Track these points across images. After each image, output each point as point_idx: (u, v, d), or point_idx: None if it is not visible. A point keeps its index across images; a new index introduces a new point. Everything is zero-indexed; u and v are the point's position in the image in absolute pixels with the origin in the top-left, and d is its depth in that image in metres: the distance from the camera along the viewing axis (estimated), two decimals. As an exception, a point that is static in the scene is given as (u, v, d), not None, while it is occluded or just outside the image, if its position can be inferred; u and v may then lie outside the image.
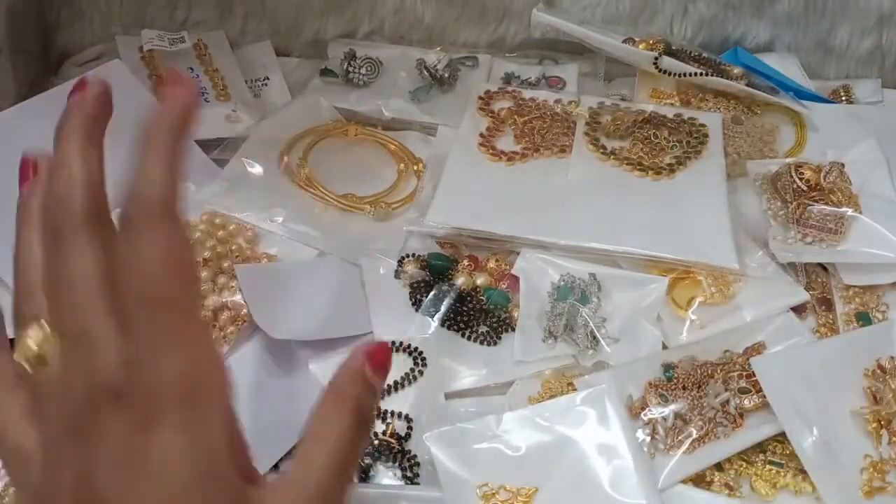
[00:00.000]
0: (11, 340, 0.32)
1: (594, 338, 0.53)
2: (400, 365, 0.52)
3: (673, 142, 0.64)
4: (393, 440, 0.49)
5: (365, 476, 0.48)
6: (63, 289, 0.30)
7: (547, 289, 0.56)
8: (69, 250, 0.31)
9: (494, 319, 0.55)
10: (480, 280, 0.57)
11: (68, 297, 0.30)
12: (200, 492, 0.28)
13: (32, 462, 0.30)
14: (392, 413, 0.50)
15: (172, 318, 0.28)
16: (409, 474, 0.48)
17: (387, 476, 0.48)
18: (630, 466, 0.45)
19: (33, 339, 0.30)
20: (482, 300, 0.56)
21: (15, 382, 0.32)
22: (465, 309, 0.56)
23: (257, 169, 0.64)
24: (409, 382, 0.52)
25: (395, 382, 0.51)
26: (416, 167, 0.66)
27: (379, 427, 0.49)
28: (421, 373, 0.52)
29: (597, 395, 0.47)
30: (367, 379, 0.34)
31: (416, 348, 0.53)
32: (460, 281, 0.56)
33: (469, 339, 0.54)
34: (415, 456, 0.48)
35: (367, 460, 0.48)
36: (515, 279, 0.57)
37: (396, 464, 0.48)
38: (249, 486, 0.30)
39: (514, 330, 0.54)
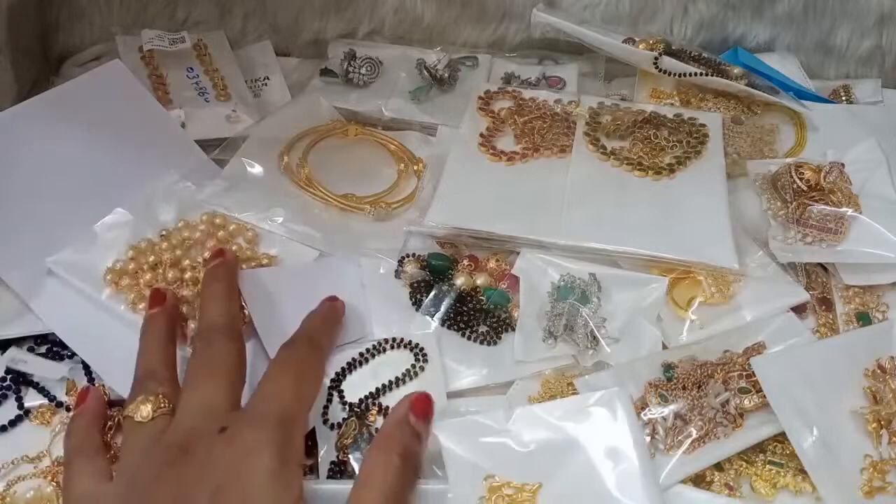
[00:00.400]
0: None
1: (594, 338, 0.53)
2: (401, 361, 0.52)
3: (673, 142, 0.65)
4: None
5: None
6: (198, 370, 0.43)
7: (547, 289, 0.56)
8: (215, 349, 0.44)
9: (494, 319, 0.55)
10: (480, 280, 0.57)
11: (196, 377, 0.42)
12: None
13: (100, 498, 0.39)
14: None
15: (286, 404, 0.40)
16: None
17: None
18: (636, 470, 0.45)
19: (153, 402, 0.42)
20: (482, 300, 0.56)
21: (97, 452, 0.42)
22: (466, 309, 0.56)
23: (257, 169, 0.64)
24: (411, 378, 0.52)
25: (396, 378, 0.51)
26: (416, 167, 0.66)
27: (381, 423, 0.49)
28: (422, 368, 0.52)
29: (608, 397, 0.47)
30: (412, 425, 0.40)
31: (416, 344, 0.53)
32: (460, 281, 0.56)
33: (469, 338, 0.54)
34: (417, 451, 0.49)
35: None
36: (515, 279, 0.57)
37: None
38: None
39: (514, 330, 0.54)
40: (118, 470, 0.40)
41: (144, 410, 0.41)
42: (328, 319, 0.51)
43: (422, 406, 0.42)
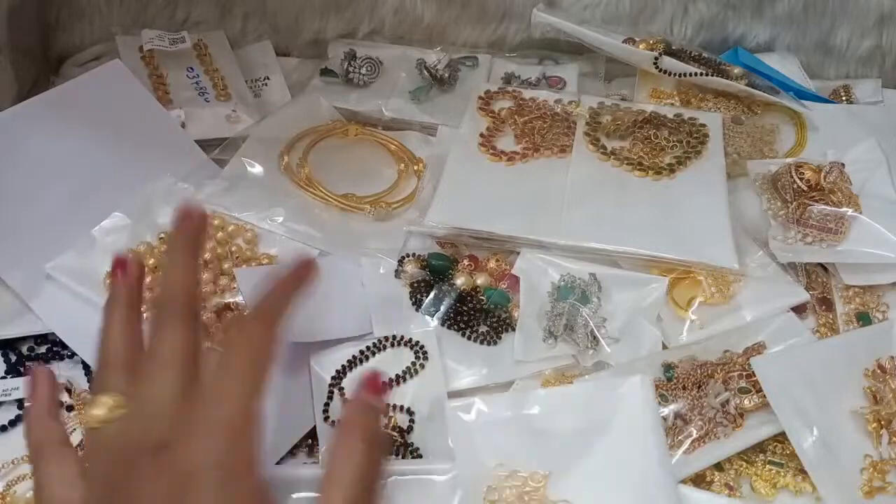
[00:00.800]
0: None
1: (594, 338, 0.53)
2: (401, 359, 0.52)
3: (673, 142, 0.64)
4: (395, 433, 0.49)
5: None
6: (150, 361, 0.39)
7: (547, 289, 0.56)
8: (165, 334, 0.39)
9: (494, 319, 0.55)
10: (480, 280, 0.57)
11: (150, 368, 0.38)
12: None
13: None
14: (394, 406, 0.50)
15: (234, 407, 0.36)
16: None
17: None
18: (654, 461, 0.45)
19: (107, 403, 0.38)
20: (482, 300, 0.56)
21: (62, 446, 0.40)
22: (466, 309, 0.56)
23: (257, 169, 0.64)
24: (411, 376, 0.52)
25: (397, 376, 0.51)
26: (416, 167, 0.66)
27: (381, 420, 0.49)
28: (422, 366, 0.52)
29: (630, 385, 0.47)
30: (368, 402, 0.39)
31: (417, 342, 0.53)
32: (460, 281, 0.56)
33: (469, 338, 0.54)
34: (417, 448, 0.49)
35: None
36: (515, 279, 0.57)
37: (399, 456, 0.48)
38: None
39: (514, 330, 0.54)
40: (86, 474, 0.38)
41: (98, 412, 0.38)
42: (290, 286, 0.43)
43: (373, 381, 0.40)
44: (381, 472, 0.38)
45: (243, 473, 0.35)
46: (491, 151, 0.64)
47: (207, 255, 0.57)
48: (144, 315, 0.45)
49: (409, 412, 0.50)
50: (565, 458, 0.45)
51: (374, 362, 0.53)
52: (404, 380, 0.51)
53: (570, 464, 0.45)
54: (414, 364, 0.52)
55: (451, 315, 0.55)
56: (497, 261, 0.59)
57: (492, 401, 0.47)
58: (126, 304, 0.44)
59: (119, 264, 0.45)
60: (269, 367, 0.39)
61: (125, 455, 0.37)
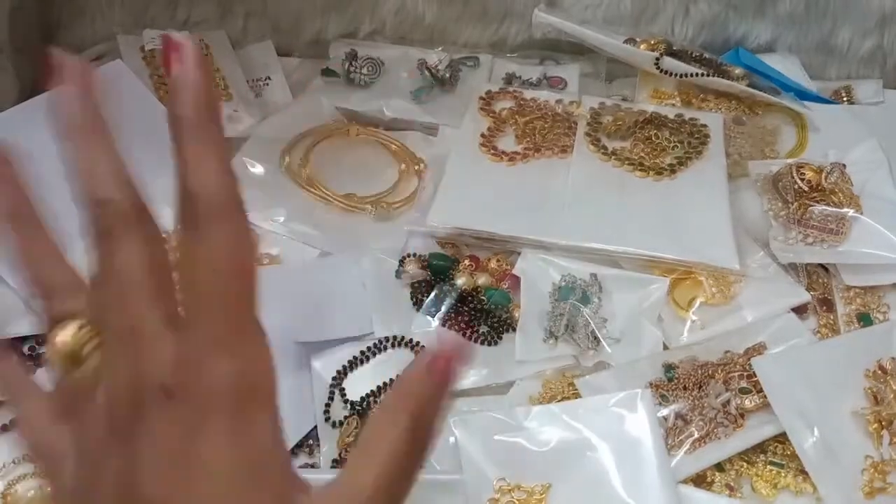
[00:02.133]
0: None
1: (595, 338, 0.53)
2: (402, 359, 0.52)
3: (674, 142, 0.64)
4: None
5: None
6: (112, 285, 0.29)
7: (548, 289, 0.56)
8: (119, 248, 0.29)
9: (495, 319, 0.55)
10: (481, 280, 0.57)
11: (117, 292, 0.28)
12: (248, 497, 0.27)
13: (66, 464, 0.29)
14: (394, 407, 0.50)
15: (233, 318, 0.27)
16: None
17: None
18: (654, 474, 0.45)
19: (69, 336, 0.29)
20: (483, 300, 0.56)
21: (32, 385, 0.32)
22: (466, 309, 0.56)
23: (259, 169, 0.64)
24: (412, 377, 0.52)
25: (398, 376, 0.51)
26: (417, 167, 0.66)
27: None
28: None
29: (629, 399, 0.47)
30: (430, 382, 0.30)
31: (417, 342, 0.53)
32: (461, 281, 0.56)
33: (470, 338, 0.54)
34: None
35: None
36: (516, 279, 0.57)
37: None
38: (296, 493, 0.29)
39: (514, 330, 0.54)
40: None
41: (65, 340, 0.29)
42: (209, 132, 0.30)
43: (448, 358, 0.30)
44: (424, 458, 0.30)
45: (263, 403, 0.28)
46: (492, 152, 0.64)
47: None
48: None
49: (410, 412, 0.50)
50: (566, 470, 0.45)
51: (375, 363, 0.53)
52: (405, 380, 0.51)
53: (571, 475, 0.45)
54: (415, 365, 0.52)
55: (452, 315, 0.55)
56: (498, 261, 0.59)
57: (493, 415, 0.48)
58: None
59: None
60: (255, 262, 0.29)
61: (123, 404, 0.28)
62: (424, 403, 0.30)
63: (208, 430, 0.27)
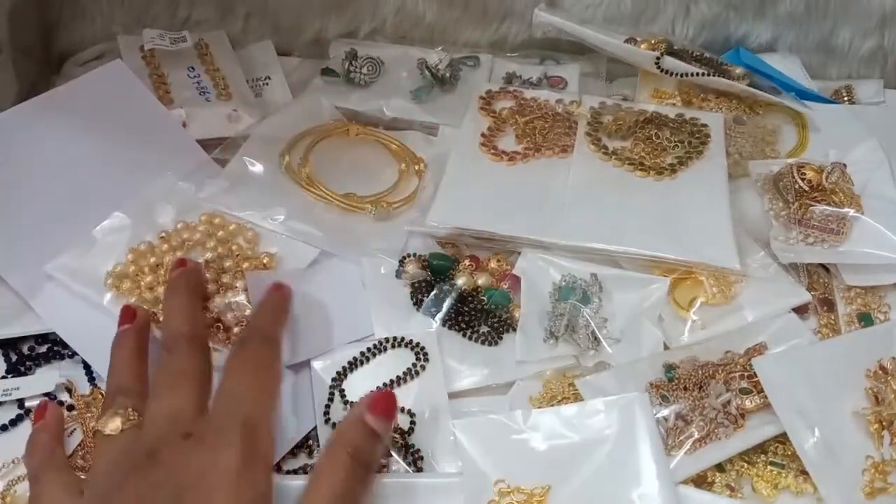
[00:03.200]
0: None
1: (595, 338, 0.53)
2: (402, 360, 0.52)
3: (675, 142, 0.64)
4: (396, 434, 0.49)
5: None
6: (161, 381, 0.43)
7: (548, 289, 0.56)
8: (179, 357, 0.44)
9: (496, 319, 0.55)
10: (482, 280, 0.57)
11: (161, 386, 0.42)
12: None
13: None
14: (395, 408, 0.50)
15: (248, 417, 0.39)
16: (412, 468, 0.48)
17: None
18: (653, 477, 0.45)
19: (121, 416, 0.42)
20: (483, 300, 0.56)
21: (63, 470, 0.43)
22: (467, 309, 0.55)
23: (258, 168, 0.64)
24: (412, 377, 0.52)
25: (398, 377, 0.51)
26: (417, 167, 0.66)
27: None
28: (423, 367, 0.52)
29: (628, 401, 0.47)
30: (367, 423, 0.40)
31: (417, 343, 0.53)
32: (461, 281, 0.56)
33: (470, 339, 0.54)
34: (419, 450, 0.49)
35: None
36: (517, 279, 0.57)
37: (401, 458, 0.48)
38: None
39: (515, 330, 0.54)
40: (89, 483, 0.41)
41: (113, 424, 0.41)
42: (277, 309, 0.50)
43: (382, 404, 0.42)
44: (365, 492, 0.39)
45: (260, 461, 0.37)
46: (492, 151, 0.64)
47: (209, 255, 0.57)
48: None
49: (410, 413, 0.50)
50: (566, 472, 0.45)
51: (375, 364, 0.53)
52: (405, 381, 0.51)
53: (571, 478, 0.45)
54: (415, 365, 0.52)
55: (452, 315, 0.55)
56: (498, 261, 0.59)
57: (493, 417, 0.48)
58: (135, 349, 0.47)
59: (126, 314, 0.49)
60: (277, 383, 0.43)
61: (131, 459, 0.38)
62: (361, 444, 0.40)
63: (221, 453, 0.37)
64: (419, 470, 0.48)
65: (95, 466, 0.41)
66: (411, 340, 0.53)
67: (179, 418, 0.40)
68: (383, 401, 0.41)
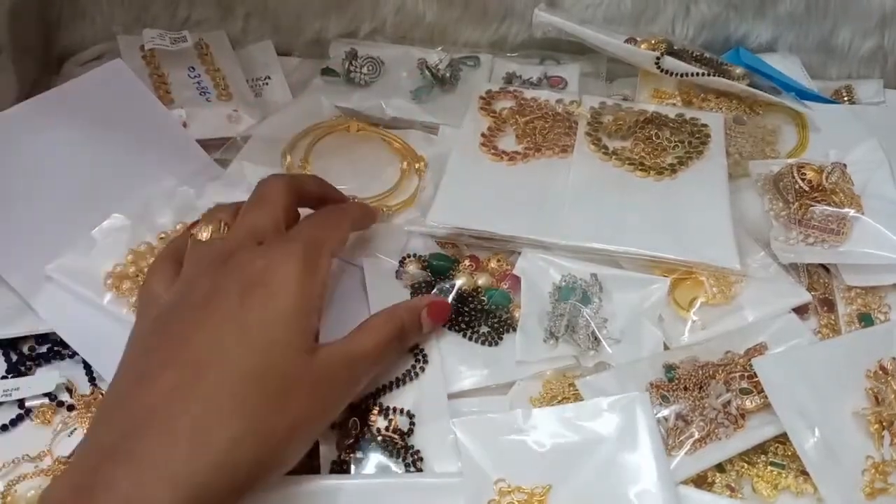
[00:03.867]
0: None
1: (595, 338, 0.53)
2: (401, 361, 0.52)
3: (675, 142, 0.64)
4: (396, 436, 0.49)
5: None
6: (250, 202, 0.50)
7: (548, 289, 0.56)
8: (268, 186, 0.51)
9: (496, 320, 0.55)
10: (482, 280, 0.57)
11: (249, 206, 0.49)
12: (299, 318, 0.42)
13: (161, 300, 0.45)
14: (394, 409, 0.50)
15: (317, 238, 0.47)
16: (412, 469, 0.48)
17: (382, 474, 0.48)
18: (654, 477, 0.45)
19: (210, 228, 0.49)
20: (483, 300, 0.56)
21: (173, 261, 0.48)
22: (467, 309, 0.55)
23: (259, 169, 0.64)
24: (411, 378, 0.52)
25: (397, 379, 0.51)
26: (417, 165, 0.66)
27: (381, 423, 0.49)
28: (423, 369, 0.52)
29: (629, 400, 0.47)
30: (420, 316, 0.50)
31: (416, 344, 0.53)
32: (461, 281, 0.56)
33: (470, 339, 0.54)
34: (418, 451, 0.48)
35: (371, 456, 0.48)
36: (517, 279, 0.57)
37: (400, 459, 0.48)
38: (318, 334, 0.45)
39: (515, 330, 0.54)
40: (178, 278, 0.46)
41: (205, 232, 0.48)
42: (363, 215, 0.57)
43: (437, 310, 0.51)
44: (401, 352, 0.50)
45: (318, 274, 0.44)
46: (492, 151, 0.64)
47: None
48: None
49: (410, 415, 0.50)
50: (566, 472, 0.45)
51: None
52: (404, 382, 0.51)
53: (571, 478, 0.45)
54: (414, 367, 0.52)
55: (453, 316, 0.55)
56: (498, 261, 0.59)
57: (493, 416, 0.48)
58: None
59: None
60: (345, 233, 0.51)
61: (211, 259, 0.45)
62: (409, 325, 0.49)
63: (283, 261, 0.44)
64: (419, 471, 0.48)
65: (185, 265, 0.47)
66: (411, 342, 0.53)
67: (258, 231, 0.46)
68: (440, 307, 0.52)
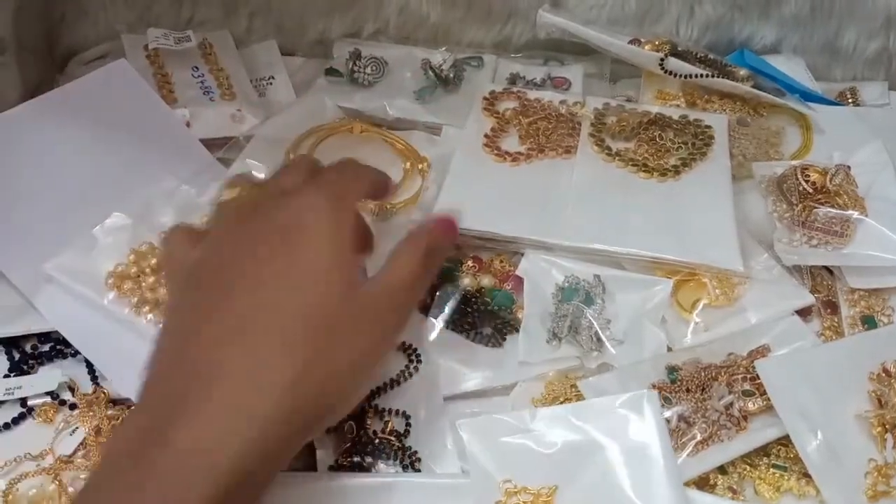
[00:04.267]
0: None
1: (598, 339, 0.53)
2: (395, 363, 0.52)
3: (678, 143, 0.64)
4: (392, 437, 0.49)
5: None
6: (285, 167, 0.49)
7: (551, 290, 0.56)
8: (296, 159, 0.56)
9: (499, 321, 0.55)
10: (485, 281, 0.57)
11: (284, 171, 0.48)
12: (337, 262, 0.41)
13: (188, 262, 0.43)
14: (389, 410, 0.50)
15: (344, 183, 0.46)
16: (410, 471, 0.48)
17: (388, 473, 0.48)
18: (662, 477, 0.44)
19: (240, 188, 0.49)
20: (487, 301, 0.56)
21: (186, 227, 0.47)
22: (470, 310, 0.55)
23: (262, 169, 0.64)
24: (405, 379, 0.52)
25: (392, 380, 0.51)
26: (420, 166, 0.66)
27: (377, 425, 0.49)
28: (416, 369, 0.52)
29: (637, 399, 0.47)
30: (435, 233, 0.48)
31: (409, 345, 0.53)
32: (465, 282, 0.56)
33: (474, 340, 0.54)
34: (415, 452, 0.48)
35: (369, 459, 0.48)
36: (520, 280, 0.57)
37: (398, 461, 0.48)
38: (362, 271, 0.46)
39: (518, 332, 0.54)
40: (203, 238, 0.45)
41: (231, 192, 0.48)
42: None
43: (444, 223, 0.49)
44: (431, 278, 0.47)
45: (347, 213, 0.44)
46: (495, 152, 0.64)
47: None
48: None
49: (405, 416, 0.50)
50: (573, 472, 0.45)
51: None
52: (398, 383, 0.51)
53: (578, 478, 0.45)
54: (407, 367, 0.52)
55: (456, 317, 0.55)
56: (501, 262, 0.59)
57: (499, 417, 0.47)
58: None
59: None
60: (366, 185, 0.49)
61: (239, 213, 0.45)
62: (430, 243, 0.46)
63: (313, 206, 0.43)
64: (416, 472, 0.48)
65: (212, 223, 0.47)
66: (403, 343, 0.53)
67: (283, 186, 0.45)
68: (447, 221, 0.49)
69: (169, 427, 0.36)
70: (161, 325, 0.43)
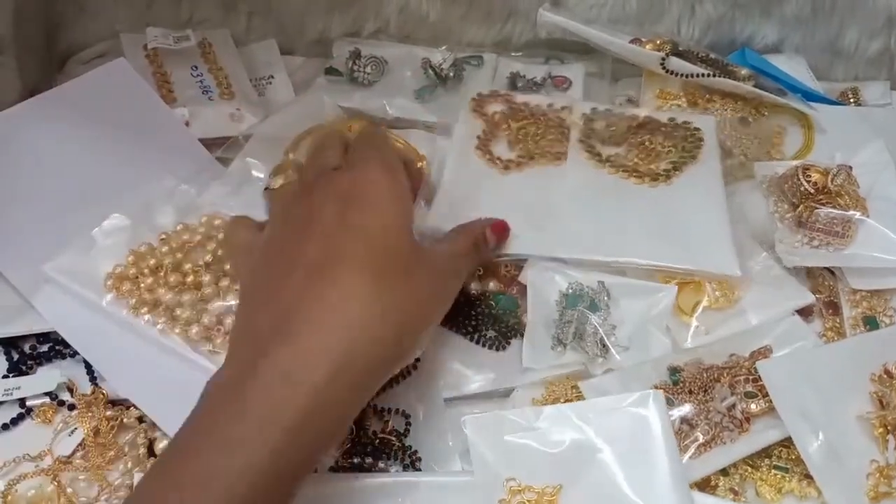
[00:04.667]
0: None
1: (604, 346, 0.53)
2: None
3: (668, 147, 0.63)
4: (392, 437, 0.48)
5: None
6: (323, 143, 0.52)
7: (554, 297, 0.55)
8: (327, 132, 0.57)
9: (503, 325, 0.55)
10: (490, 285, 0.57)
11: (323, 147, 0.51)
12: (396, 224, 0.45)
13: (255, 244, 0.46)
14: (389, 410, 0.50)
15: (385, 154, 0.49)
16: (410, 470, 0.48)
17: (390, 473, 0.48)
18: (667, 477, 0.44)
19: (283, 176, 0.52)
20: (492, 305, 0.56)
21: (242, 216, 0.50)
22: (474, 313, 0.55)
23: (261, 168, 0.64)
24: (404, 377, 0.52)
25: (390, 379, 0.51)
26: (420, 164, 0.66)
27: (377, 425, 0.49)
28: (415, 367, 0.52)
29: (641, 399, 0.47)
30: (486, 232, 0.54)
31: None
32: (470, 286, 0.56)
33: (478, 343, 0.54)
34: (416, 451, 0.48)
35: (369, 459, 0.48)
36: (524, 285, 0.56)
37: (398, 460, 0.48)
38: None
39: (522, 336, 0.54)
40: (265, 223, 0.48)
41: (278, 181, 0.51)
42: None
43: (498, 228, 0.55)
44: (476, 263, 0.54)
45: (399, 174, 0.47)
46: (487, 156, 0.63)
47: (209, 258, 0.57)
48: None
49: (405, 415, 0.50)
50: (577, 471, 0.45)
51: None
52: (397, 382, 0.51)
53: (582, 477, 0.45)
54: (406, 366, 0.52)
55: (460, 319, 0.54)
56: (506, 266, 0.58)
57: (504, 415, 0.47)
58: None
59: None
60: (392, 150, 0.52)
61: (294, 193, 0.47)
62: (479, 238, 0.53)
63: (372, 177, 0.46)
64: (417, 471, 0.48)
65: (271, 208, 0.50)
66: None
67: (329, 163, 0.48)
68: (501, 226, 0.55)
69: (261, 362, 0.38)
70: (238, 303, 0.46)
